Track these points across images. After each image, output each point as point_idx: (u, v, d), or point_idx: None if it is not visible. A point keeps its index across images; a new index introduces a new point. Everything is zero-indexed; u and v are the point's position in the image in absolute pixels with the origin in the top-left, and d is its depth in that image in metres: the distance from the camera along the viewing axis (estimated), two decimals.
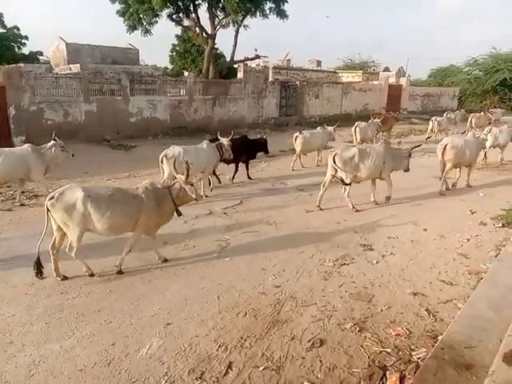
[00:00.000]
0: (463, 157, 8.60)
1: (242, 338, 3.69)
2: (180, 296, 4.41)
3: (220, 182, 9.50)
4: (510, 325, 3.03)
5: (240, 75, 19.47)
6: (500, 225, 6.63)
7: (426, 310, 4.12)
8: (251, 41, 35.89)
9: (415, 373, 3.04)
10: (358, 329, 3.80)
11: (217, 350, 3.51)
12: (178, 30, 28.21)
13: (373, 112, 21.67)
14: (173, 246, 5.79)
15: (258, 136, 10.87)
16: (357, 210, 7.47)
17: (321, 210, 7.57)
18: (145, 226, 4.88)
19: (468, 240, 6.06)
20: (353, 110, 25.50)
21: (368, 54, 51.70)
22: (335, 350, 3.51)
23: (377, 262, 5.33)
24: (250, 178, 9.98)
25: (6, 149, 7.74)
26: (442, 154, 8.57)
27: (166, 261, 5.24)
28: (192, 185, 5.13)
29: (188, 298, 4.38)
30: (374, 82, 28.68)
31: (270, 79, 21.70)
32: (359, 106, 26.16)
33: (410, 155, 7.77)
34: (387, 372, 3.19)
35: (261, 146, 10.34)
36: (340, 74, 32.99)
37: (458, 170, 9.03)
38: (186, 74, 19.67)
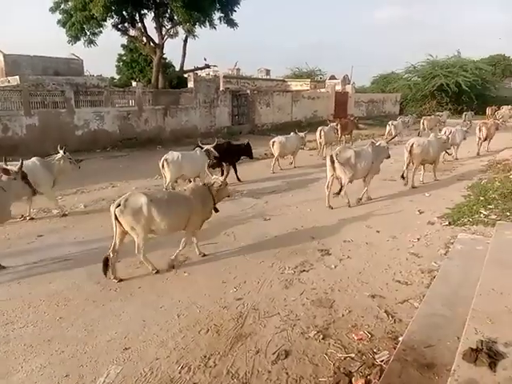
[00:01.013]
0: (427, 155, 9.72)
1: (205, 356, 3.57)
2: (137, 317, 4.21)
3: None
4: (465, 321, 3.16)
5: (190, 85, 19.27)
6: (446, 223, 6.98)
7: (385, 311, 4.22)
8: (199, 50, 35.92)
9: (380, 376, 3.09)
10: (321, 336, 3.81)
11: (179, 372, 3.37)
12: (124, 40, 27.52)
13: (331, 117, 22.48)
14: (127, 263, 5.53)
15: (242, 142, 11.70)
16: (349, 206, 8.13)
17: (331, 208, 8.07)
18: (195, 223, 5.41)
19: (418, 239, 6.32)
20: (303, 117, 26.06)
21: (314, 62, 53.42)
22: (301, 360, 3.49)
23: (335, 267, 5.41)
24: (239, 179, 10.60)
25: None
26: (410, 153, 9.54)
27: (121, 281, 5.00)
28: (227, 184, 5.80)
29: (146, 318, 4.19)
30: (322, 90, 29.53)
31: (221, 88, 21.70)
32: (309, 113, 26.80)
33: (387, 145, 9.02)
34: (353, 378, 3.21)
35: (244, 151, 11.09)
36: (289, 83, 33.61)
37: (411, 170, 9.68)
38: (134, 84, 19.15)
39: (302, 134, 12.91)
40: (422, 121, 20.20)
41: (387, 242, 6.31)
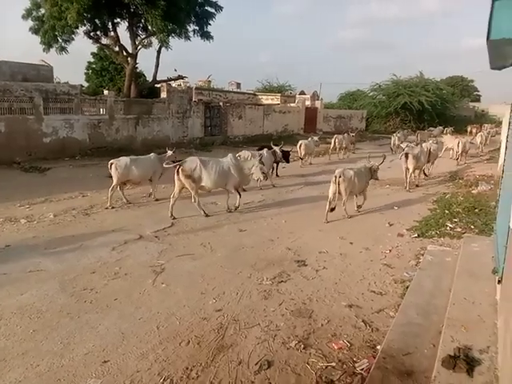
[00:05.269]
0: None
1: (187, 368, 3.53)
2: (115, 330, 4.11)
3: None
4: (440, 329, 3.31)
5: (163, 95, 19.17)
6: (415, 235, 7.26)
7: (363, 321, 4.33)
8: (170, 61, 36.02)
9: None
10: (302, 346, 3.86)
11: None
12: (94, 48, 27.01)
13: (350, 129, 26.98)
14: (102, 275, 5.41)
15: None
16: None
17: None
18: (366, 188, 8.74)
19: (390, 251, 6.54)
20: (274, 131, 26.41)
21: (284, 78, 54.43)
22: (283, 370, 3.52)
23: (312, 278, 5.49)
24: (277, 175, 12.94)
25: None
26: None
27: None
28: (378, 169, 8.81)
29: (124, 331, 4.10)
30: (292, 105, 30.12)
31: (194, 99, 21.69)
32: (279, 126, 27.22)
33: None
34: None
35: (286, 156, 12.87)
36: (260, 96, 34.09)
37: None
38: (105, 92, 18.79)
39: (315, 138, 16.59)
40: (416, 134, 25.10)
41: (360, 253, 6.48)
